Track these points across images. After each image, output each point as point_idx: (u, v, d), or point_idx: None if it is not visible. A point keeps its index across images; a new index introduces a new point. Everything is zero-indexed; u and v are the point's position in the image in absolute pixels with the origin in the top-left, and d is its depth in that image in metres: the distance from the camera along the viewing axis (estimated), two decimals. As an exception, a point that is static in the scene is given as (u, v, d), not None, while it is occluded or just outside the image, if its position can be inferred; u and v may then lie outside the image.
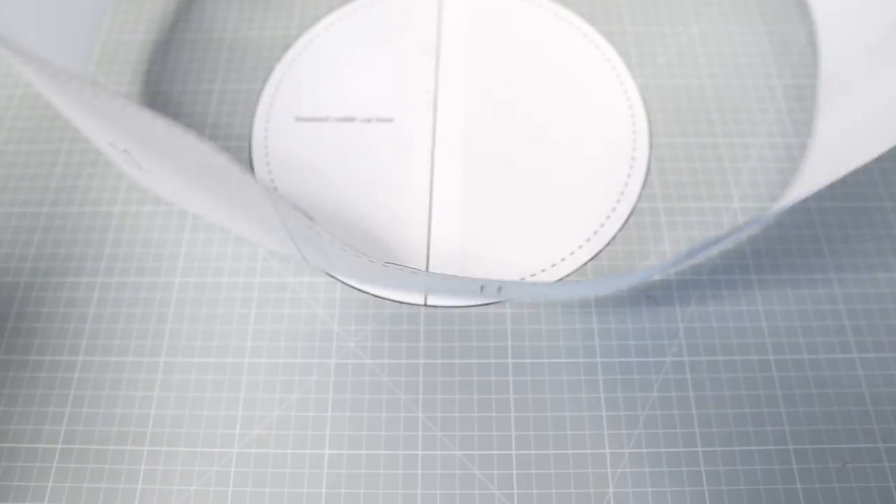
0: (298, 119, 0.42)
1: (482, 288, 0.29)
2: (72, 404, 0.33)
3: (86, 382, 0.34)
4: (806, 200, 0.38)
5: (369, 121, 0.42)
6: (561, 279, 0.36)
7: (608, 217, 0.38)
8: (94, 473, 0.32)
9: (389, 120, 0.42)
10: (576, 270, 0.37)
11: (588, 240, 0.38)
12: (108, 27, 0.46)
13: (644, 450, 0.32)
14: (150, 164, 0.30)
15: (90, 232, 0.38)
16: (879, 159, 0.39)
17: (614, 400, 0.33)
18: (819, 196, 0.38)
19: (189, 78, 0.44)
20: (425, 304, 0.36)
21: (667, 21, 0.46)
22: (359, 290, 0.36)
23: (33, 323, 0.35)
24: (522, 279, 0.36)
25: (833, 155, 0.35)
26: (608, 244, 0.38)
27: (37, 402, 0.33)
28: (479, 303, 0.36)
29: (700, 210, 0.38)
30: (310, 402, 0.33)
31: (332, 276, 0.37)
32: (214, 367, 0.34)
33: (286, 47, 0.45)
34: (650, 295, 0.32)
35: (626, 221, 0.38)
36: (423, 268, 0.37)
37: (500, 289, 0.28)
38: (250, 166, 0.40)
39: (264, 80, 0.44)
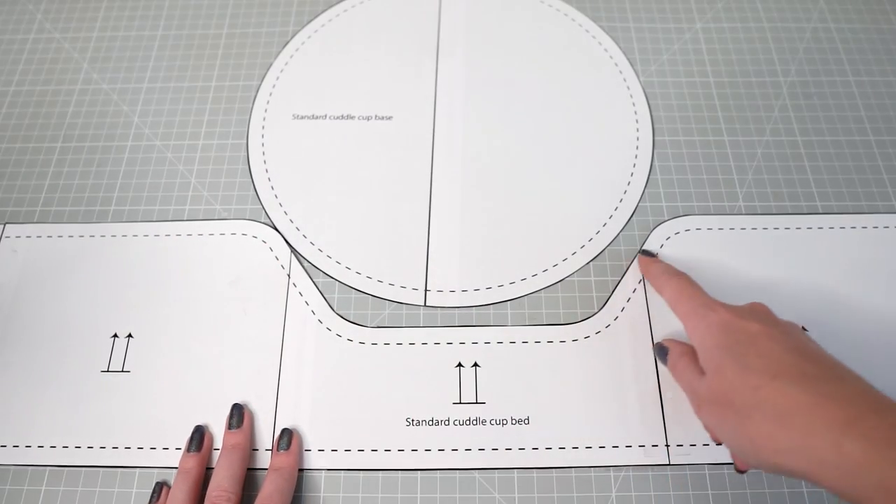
0: (296, 116, 0.42)
1: None
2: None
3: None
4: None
5: (368, 118, 0.41)
6: (562, 280, 0.36)
7: (610, 217, 0.38)
8: (89, 475, 0.31)
9: (389, 117, 0.41)
10: (577, 271, 0.36)
11: (590, 239, 0.37)
12: (102, 23, 0.46)
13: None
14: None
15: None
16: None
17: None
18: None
19: (185, 74, 0.43)
20: (424, 305, 0.35)
21: (671, 17, 0.45)
22: (357, 289, 0.36)
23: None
24: (524, 279, 0.36)
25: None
26: (610, 244, 0.37)
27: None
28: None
29: (704, 209, 0.38)
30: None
31: (331, 277, 0.36)
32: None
33: (283, 43, 0.44)
34: None
35: (629, 221, 0.38)
36: (423, 265, 0.36)
37: None
38: (247, 164, 0.40)
39: (261, 77, 0.43)
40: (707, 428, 0.29)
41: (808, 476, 0.23)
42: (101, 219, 0.38)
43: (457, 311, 0.35)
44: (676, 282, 0.32)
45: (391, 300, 0.35)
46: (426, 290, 0.36)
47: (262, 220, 0.38)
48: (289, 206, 0.38)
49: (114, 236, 0.37)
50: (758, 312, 0.29)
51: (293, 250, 0.37)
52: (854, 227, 0.37)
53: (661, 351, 0.32)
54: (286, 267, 0.36)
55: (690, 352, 0.30)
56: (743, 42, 0.44)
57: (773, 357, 0.25)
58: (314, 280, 0.36)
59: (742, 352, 0.26)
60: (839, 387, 0.24)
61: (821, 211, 0.38)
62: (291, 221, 0.38)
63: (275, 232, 0.37)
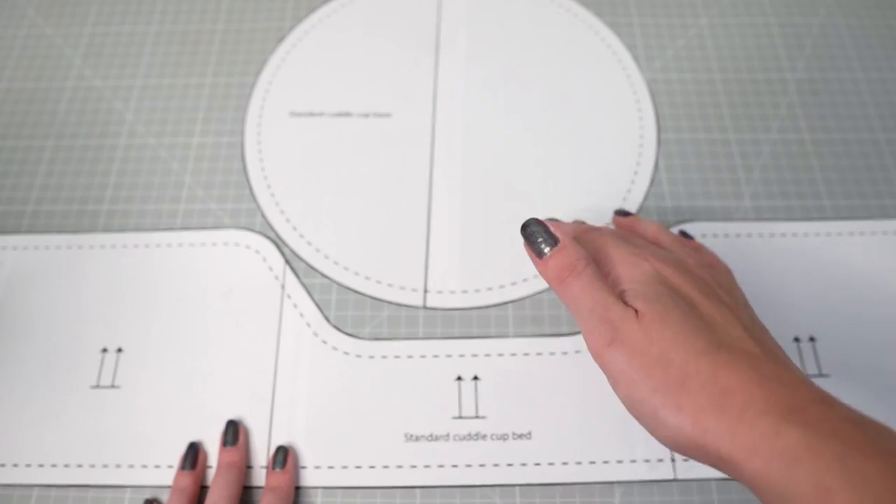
0: (293, 114, 0.41)
1: None
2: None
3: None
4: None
5: (366, 116, 0.41)
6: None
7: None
8: (79, 495, 0.31)
9: (387, 115, 0.41)
10: (580, 271, 0.35)
11: (593, 240, 0.36)
12: (96, 18, 0.45)
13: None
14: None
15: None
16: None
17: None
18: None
19: (180, 71, 0.42)
20: (424, 306, 0.35)
21: (675, 12, 0.44)
22: (355, 291, 0.35)
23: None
24: (525, 280, 0.35)
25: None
26: (614, 244, 0.36)
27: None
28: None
29: (709, 209, 0.37)
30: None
31: (329, 278, 0.35)
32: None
33: (280, 39, 0.44)
34: None
35: (633, 221, 0.37)
36: (422, 265, 0.36)
37: None
38: (243, 162, 0.39)
39: (257, 74, 0.42)
40: (604, 369, 0.24)
41: (730, 462, 0.20)
42: (93, 218, 0.37)
43: (457, 312, 0.34)
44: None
45: (390, 301, 0.35)
46: (426, 290, 0.35)
47: (258, 220, 0.37)
48: (285, 206, 0.38)
49: (102, 247, 0.36)
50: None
51: (287, 261, 0.36)
52: (863, 233, 0.36)
53: (543, 235, 0.26)
54: (280, 278, 0.35)
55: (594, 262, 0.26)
56: (749, 38, 0.43)
57: (724, 324, 0.23)
58: (309, 290, 0.35)
59: (686, 311, 0.23)
60: (784, 372, 0.22)
61: (829, 213, 0.37)
62: (288, 221, 0.37)
63: (268, 242, 0.36)
